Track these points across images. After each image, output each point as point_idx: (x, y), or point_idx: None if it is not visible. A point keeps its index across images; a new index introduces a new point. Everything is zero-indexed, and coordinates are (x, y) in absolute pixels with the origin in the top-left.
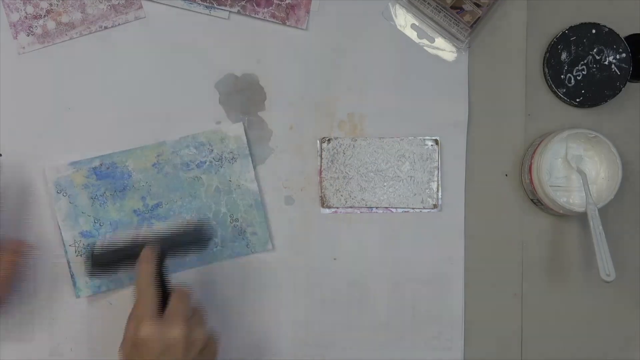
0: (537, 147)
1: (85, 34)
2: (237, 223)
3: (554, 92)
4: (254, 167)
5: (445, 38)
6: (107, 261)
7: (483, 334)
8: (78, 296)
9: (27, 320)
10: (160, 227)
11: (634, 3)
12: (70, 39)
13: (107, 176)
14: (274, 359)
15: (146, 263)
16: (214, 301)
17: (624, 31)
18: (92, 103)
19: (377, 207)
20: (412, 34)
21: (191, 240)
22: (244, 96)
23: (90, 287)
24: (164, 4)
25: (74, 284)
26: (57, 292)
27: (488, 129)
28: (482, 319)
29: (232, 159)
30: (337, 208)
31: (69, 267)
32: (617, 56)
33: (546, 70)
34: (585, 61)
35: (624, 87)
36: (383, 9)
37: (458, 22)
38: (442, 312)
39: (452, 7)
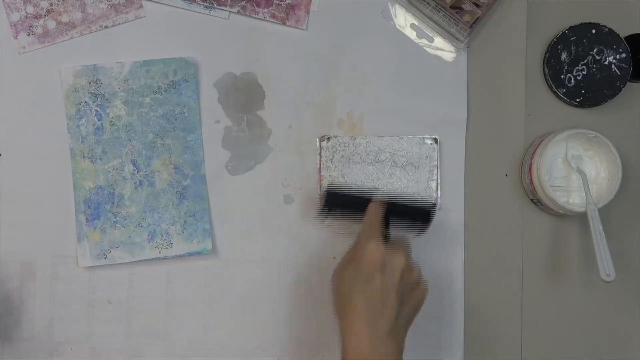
0: (537, 147)
1: (86, 34)
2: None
3: (554, 92)
4: (253, 167)
5: (444, 38)
6: (339, 202)
7: (483, 333)
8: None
9: (27, 320)
10: (392, 193)
11: (634, 3)
12: (71, 38)
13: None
14: (274, 359)
15: (376, 207)
16: (215, 301)
17: (624, 31)
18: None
19: None
20: (412, 34)
21: (415, 216)
22: (243, 95)
23: (92, 257)
24: (164, 4)
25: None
26: (57, 292)
27: (488, 129)
28: (482, 319)
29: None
30: None
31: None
32: (617, 56)
33: (546, 70)
34: (585, 61)
35: (624, 87)
36: (382, 9)
37: (457, 22)
38: (441, 312)
39: (451, 7)
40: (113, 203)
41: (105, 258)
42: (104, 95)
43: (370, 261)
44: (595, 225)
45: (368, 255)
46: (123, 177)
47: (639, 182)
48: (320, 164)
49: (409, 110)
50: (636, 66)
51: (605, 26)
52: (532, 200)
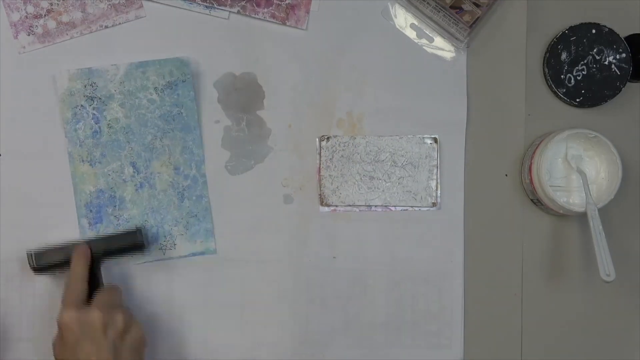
0: (537, 147)
1: (86, 34)
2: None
3: (554, 92)
4: (252, 166)
5: (444, 38)
6: (48, 261)
7: (483, 333)
8: None
9: (27, 320)
10: (96, 233)
11: (634, 3)
12: (71, 38)
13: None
14: (274, 359)
15: (78, 257)
16: (215, 301)
17: (624, 31)
18: None
19: (376, 206)
20: (412, 34)
21: (125, 245)
22: (242, 95)
23: None
24: (164, 3)
25: None
26: (56, 292)
27: (488, 129)
28: (482, 318)
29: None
30: (336, 206)
31: None
32: (617, 56)
33: (546, 70)
34: (585, 61)
35: (624, 87)
36: (382, 9)
37: (457, 22)
38: (441, 311)
39: (451, 7)
40: (115, 206)
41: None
42: (100, 98)
43: (68, 333)
44: (595, 225)
45: (64, 328)
46: (123, 179)
47: (639, 182)
48: (319, 164)
49: (408, 110)
50: (636, 66)
51: (605, 26)
52: (532, 200)
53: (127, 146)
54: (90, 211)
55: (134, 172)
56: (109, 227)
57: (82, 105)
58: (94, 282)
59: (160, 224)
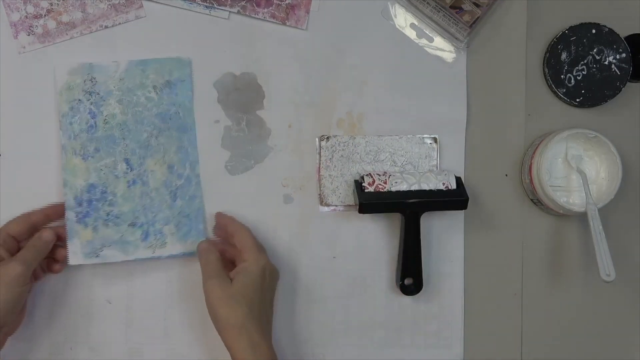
0: (537, 147)
1: (86, 34)
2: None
3: (554, 92)
4: (252, 166)
5: (444, 38)
6: None
7: (483, 333)
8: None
9: (27, 320)
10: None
11: (634, 3)
12: (71, 38)
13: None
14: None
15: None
16: None
17: (624, 31)
18: None
19: None
20: (411, 34)
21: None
22: (242, 95)
23: (83, 255)
24: (164, 3)
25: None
26: (57, 292)
27: (488, 129)
28: (482, 318)
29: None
30: (336, 206)
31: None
32: (617, 56)
33: (546, 70)
34: (585, 61)
35: (624, 87)
36: (382, 9)
37: (457, 22)
38: (441, 311)
39: (451, 7)
40: (105, 201)
41: (97, 257)
42: (98, 93)
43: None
44: (595, 225)
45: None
46: (116, 175)
47: (639, 182)
48: (319, 164)
49: (408, 109)
50: (636, 66)
51: (605, 26)
52: (532, 200)
53: (122, 142)
54: (79, 204)
55: (127, 168)
56: (97, 222)
57: (79, 100)
58: None
59: (151, 222)
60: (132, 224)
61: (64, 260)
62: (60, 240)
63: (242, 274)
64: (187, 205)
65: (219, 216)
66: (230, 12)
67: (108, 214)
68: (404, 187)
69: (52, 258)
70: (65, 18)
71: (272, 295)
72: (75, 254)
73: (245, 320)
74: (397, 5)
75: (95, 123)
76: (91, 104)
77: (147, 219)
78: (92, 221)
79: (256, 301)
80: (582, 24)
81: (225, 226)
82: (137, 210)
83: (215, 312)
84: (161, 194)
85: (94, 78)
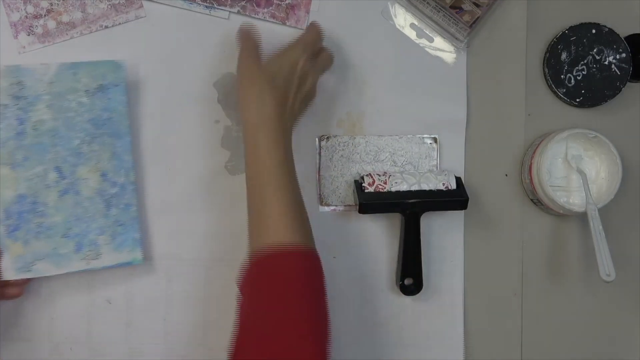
0: (537, 147)
1: (86, 34)
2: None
3: (554, 92)
4: None
5: (444, 38)
6: None
7: (483, 333)
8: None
9: (27, 320)
10: None
11: (634, 3)
12: (71, 38)
13: None
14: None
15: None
16: (212, 301)
17: (624, 31)
18: None
19: None
20: (411, 34)
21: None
22: None
23: (14, 270)
24: (164, 3)
25: None
26: (57, 292)
27: (488, 129)
28: (482, 318)
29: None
30: (336, 206)
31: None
32: (617, 56)
33: (546, 70)
34: (585, 61)
35: (624, 87)
36: (382, 9)
37: (457, 22)
38: (442, 311)
39: (451, 7)
40: (36, 212)
41: (30, 271)
42: (26, 98)
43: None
44: (595, 225)
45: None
46: (46, 184)
47: (639, 182)
48: (319, 164)
49: (408, 109)
50: (636, 66)
51: (605, 26)
52: (532, 200)
53: (53, 150)
54: (9, 217)
55: (58, 177)
56: (28, 235)
57: (5, 105)
58: None
59: (85, 233)
60: (65, 236)
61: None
62: None
63: (277, 63)
64: (122, 214)
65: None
66: (230, 12)
67: (39, 226)
68: (404, 187)
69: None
70: (65, 18)
71: (309, 88)
72: (6, 269)
73: (273, 113)
74: (397, 5)
75: (23, 130)
76: (19, 109)
77: (80, 230)
78: (23, 234)
79: (286, 102)
80: (582, 24)
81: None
82: (69, 220)
83: (242, 93)
84: (95, 203)
85: (22, 82)
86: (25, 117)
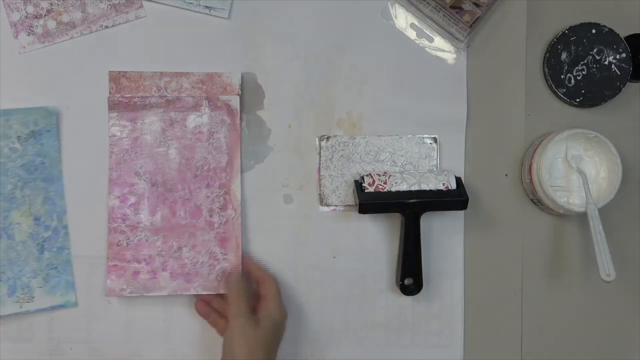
0: (537, 147)
1: (86, 34)
2: None
3: (554, 92)
4: (253, 166)
5: (444, 38)
6: None
7: (483, 333)
8: None
9: (27, 320)
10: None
11: (634, 3)
12: (71, 38)
13: None
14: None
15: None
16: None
17: (624, 31)
18: (91, 102)
19: None
20: (411, 34)
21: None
22: (242, 95)
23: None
24: (164, 3)
25: None
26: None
27: (488, 129)
28: (482, 318)
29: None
30: (336, 206)
31: None
32: (617, 56)
33: (546, 70)
34: (585, 61)
35: (624, 87)
36: (382, 9)
37: (457, 22)
38: (441, 311)
39: (451, 7)
40: None
41: None
42: None
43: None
44: (595, 225)
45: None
46: None
47: (639, 182)
48: (319, 164)
49: (408, 109)
50: (636, 66)
51: (605, 26)
52: (532, 200)
53: None
54: None
55: None
56: None
57: None
58: None
59: (18, 276)
60: None
61: None
62: None
63: (268, 320)
64: (55, 257)
65: (246, 261)
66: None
67: None
68: (404, 187)
69: None
70: (65, 18)
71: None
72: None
73: None
74: (397, 5)
75: None
76: None
77: (13, 274)
78: None
79: (273, 349)
80: (582, 24)
81: (250, 272)
82: (2, 264)
83: (233, 349)
84: (28, 247)
85: None
86: None
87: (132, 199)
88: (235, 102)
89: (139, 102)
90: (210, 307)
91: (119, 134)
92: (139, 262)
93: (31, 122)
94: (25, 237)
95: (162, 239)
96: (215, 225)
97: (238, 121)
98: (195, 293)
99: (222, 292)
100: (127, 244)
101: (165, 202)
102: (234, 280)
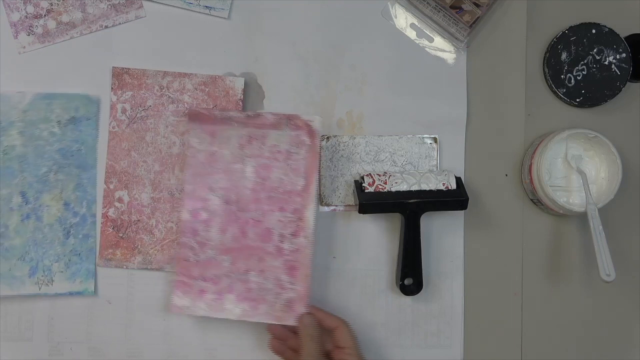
0: (537, 147)
1: (86, 34)
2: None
3: (554, 92)
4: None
5: (444, 38)
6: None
7: (483, 333)
8: None
9: (27, 320)
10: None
11: (634, 3)
12: (71, 38)
13: None
14: (274, 359)
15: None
16: None
17: (624, 31)
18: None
19: None
20: (411, 34)
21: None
22: (243, 99)
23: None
24: (164, 3)
25: None
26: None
27: (488, 129)
28: (482, 318)
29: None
30: (336, 206)
31: None
32: (617, 56)
33: (546, 70)
34: (585, 61)
35: (624, 87)
36: (382, 9)
37: (457, 22)
38: (441, 311)
39: (451, 7)
40: None
41: None
42: (0, 123)
43: None
44: (595, 225)
45: None
46: (10, 208)
47: (639, 182)
48: (319, 164)
49: (408, 109)
50: (636, 66)
51: (605, 26)
52: (532, 200)
53: (20, 175)
54: None
55: (22, 201)
56: None
57: None
58: None
59: (41, 258)
60: (21, 259)
61: None
62: None
63: None
64: (80, 244)
65: (316, 311)
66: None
67: None
68: (404, 187)
69: None
70: (65, 18)
71: None
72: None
73: None
74: (397, 5)
75: None
76: None
77: (37, 255)
78: None
79: None
80: (582, 24)
81: (322, 320)
82: (27, 245)
83: None
84: (54, 230)
85: None
86: None
87: (204, 215)
88: (316, 123)
89: (218, 115)
90: (285, 346)
91: (197, 145)
92: (205, 280)
93: (72, 108)
94: (53, 220)
95: (230, 260)
96: (285, 252)
97: (318, 143)
98: (260, 321)
99: (287, 323)
100: (196, 260)
101: (237, 222)
102: (308, 323)
